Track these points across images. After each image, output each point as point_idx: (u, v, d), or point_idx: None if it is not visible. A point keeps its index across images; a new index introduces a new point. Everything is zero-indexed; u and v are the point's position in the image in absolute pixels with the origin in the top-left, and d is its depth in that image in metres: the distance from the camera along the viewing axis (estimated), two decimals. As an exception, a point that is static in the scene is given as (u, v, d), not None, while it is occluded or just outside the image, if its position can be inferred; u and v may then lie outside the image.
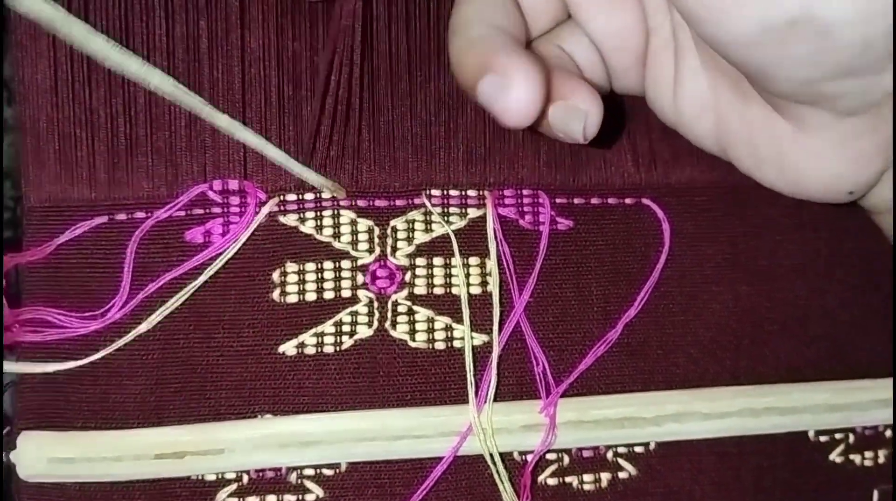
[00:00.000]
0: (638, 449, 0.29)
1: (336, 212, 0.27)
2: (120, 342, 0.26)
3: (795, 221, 0.30)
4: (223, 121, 0.24)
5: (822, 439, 0.30)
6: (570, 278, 0.29)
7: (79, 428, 0.26)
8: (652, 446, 0.29)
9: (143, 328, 0.26)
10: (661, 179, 0.30)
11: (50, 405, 0.26)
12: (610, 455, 0.29)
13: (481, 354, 0.28)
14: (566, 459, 0.28)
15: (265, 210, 0.27)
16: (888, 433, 0.31)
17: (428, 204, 0.28)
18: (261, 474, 0.27)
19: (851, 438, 0.30)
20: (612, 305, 0.29)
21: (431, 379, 0.27)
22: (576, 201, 0.29)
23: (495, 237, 0.28)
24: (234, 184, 0.27)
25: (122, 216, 0.26)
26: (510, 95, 0.22)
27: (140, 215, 0.26)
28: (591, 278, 0.29)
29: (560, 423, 0.28)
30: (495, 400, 0.27)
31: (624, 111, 0.29)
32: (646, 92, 0.27)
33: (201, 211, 0.27)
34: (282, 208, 0.27)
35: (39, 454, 0.25)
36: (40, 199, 0.26)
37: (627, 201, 0.29)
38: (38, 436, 0.25)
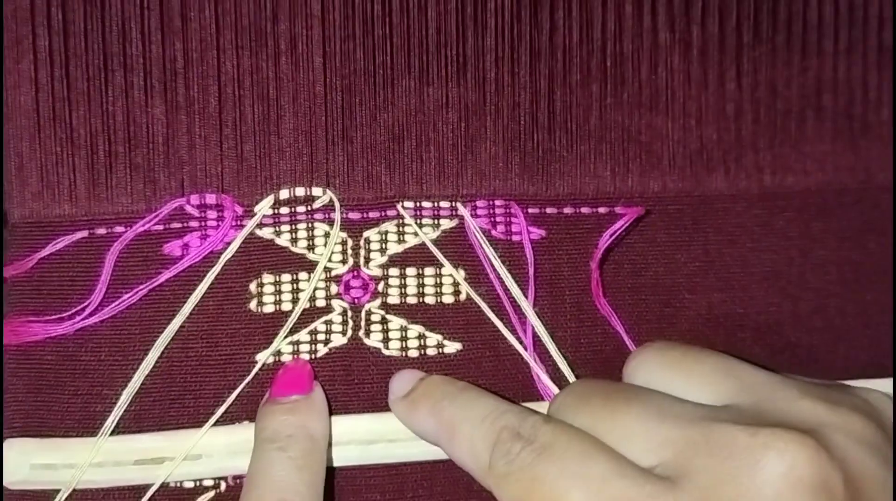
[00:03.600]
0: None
1: (310, 225, 0.28)
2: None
3: (767, 228, 0.31)
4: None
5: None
6: (543, 286, 0.29)
7: (61, 435, 0.27)
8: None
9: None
10: (635, 188, 0.30)
11: (33, 413, 0.27)
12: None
13: (456, 361, 0.28)
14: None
15: (252, 223, 0.27)
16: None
17: (406, 215, 0.28)
18: (238, 480, 0.27)
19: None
20: (585, 313, 0.29)
21: (405, 386, 0.28)
22: (548, 210, 0.30)
23: (492, 247, 0.28)
24: (211, 198, 0.28)
25: (101, 231, 0.27)
26: None
27: (119, 229, 0.27)
28: (564, 287, 0.29)
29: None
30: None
31: (599, 122, 0.30)
32: None
33: (179, 225, 0.27)
34: (259, 221, 0.28)
35: (22, 460, 0.26)
36: (23, 215, 0.27)
37: (601, 209, 0.30)
38: (22, 443, 0.26)
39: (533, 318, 0.28)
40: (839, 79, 0.31)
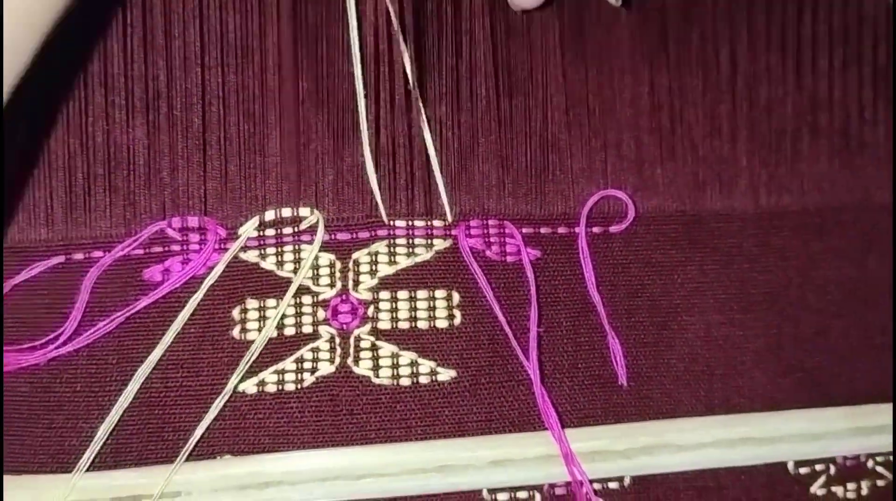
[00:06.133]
0: (612, 485, 0.28)
1: (297, 247, 0.27)
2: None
3: (764, 248, 0.30)
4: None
5: (803, 470, 0.29)
6: (540, 308, 0.28)
7: (34, 472, 0.25)
8: (627, 481, 0.28)
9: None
10: (630, 207, 0.29)
11: (5, 449, 0.25)
12: (583, 491, 0.28)
13: (450, 390, 0.27)
14: (538, 497, 0.28)
15: (236, 246, 0.26)
16: (870, 463, 0.30)
17: (379, 240, 0.27)
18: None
19: (832, 469, 0.30)
20: (582, 336, 0.29)
21: (396, 417, 0.27)
22: (542, 230, 0.29)
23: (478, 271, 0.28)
24: (193, 221, 0.27)
25: (79, 256, 0.26)
26: None
27: (97, 253, 0.26)
28: (560, 309, 0.29)
29: (530, 458, 0.27)
30: (462, 436, 0.27)
31: (592, 141, 0.29)
32: None
33: (160, 249, 0.26)
34: (243, 243, 0.27)
35: (-9, 499, 0.25)
36: (-4, 240, 0.26)
37: (595, 229, 0.29)
38: (-8, 481, 0.25)
39: (534, 340, 0.27)
40: (835, 97, 0.30)
